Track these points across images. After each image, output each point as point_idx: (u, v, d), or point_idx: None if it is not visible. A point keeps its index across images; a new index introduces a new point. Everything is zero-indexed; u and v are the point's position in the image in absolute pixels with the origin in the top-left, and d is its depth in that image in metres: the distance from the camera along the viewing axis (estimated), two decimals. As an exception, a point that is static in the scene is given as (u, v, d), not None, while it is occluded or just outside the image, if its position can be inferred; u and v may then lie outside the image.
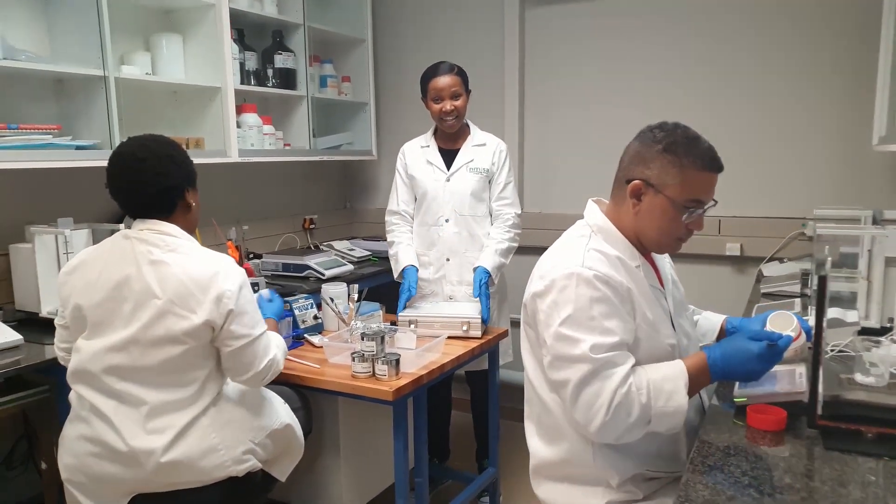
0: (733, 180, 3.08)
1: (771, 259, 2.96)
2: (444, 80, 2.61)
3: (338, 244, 3.47)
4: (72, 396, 1.66)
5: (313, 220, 3.69)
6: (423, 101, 2.73)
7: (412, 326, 2.37)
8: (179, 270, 1.59)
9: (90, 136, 2.33)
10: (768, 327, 1.40)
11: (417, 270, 2.67)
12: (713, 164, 1.34)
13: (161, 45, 2.67)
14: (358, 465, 2.29)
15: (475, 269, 2.57)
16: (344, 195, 4.06)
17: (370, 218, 3.99)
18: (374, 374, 1.96)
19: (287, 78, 3.13)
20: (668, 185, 1.34)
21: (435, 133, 2.80)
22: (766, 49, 2.93)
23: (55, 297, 2.11)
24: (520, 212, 2.74)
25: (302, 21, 3.16)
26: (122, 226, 2.19)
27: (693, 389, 1.32)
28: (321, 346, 2.25)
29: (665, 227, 1.38)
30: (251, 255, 3.09)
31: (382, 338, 1.97)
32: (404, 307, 2.49)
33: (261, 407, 1.79)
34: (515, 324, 3.22)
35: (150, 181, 1.62)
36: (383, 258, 3.45)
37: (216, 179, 2.99)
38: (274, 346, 1.75)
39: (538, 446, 1.47)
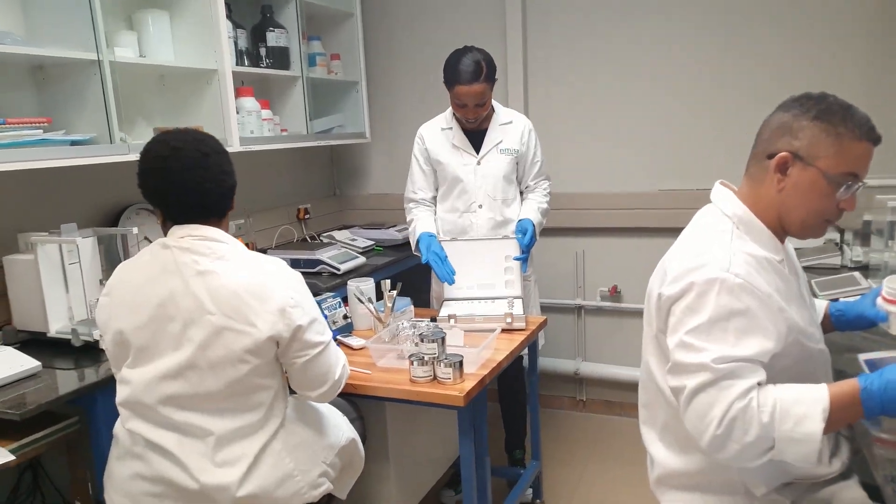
0: (741, 147, 3.05)
1: (789, 229, 2.94)
2: (468, 89, 2.37)
3: (338, 234, 3.27)
4: (119, 431, 1.46)
5: (307, 210, 3.47)
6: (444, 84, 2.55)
7: (451, 322, 2.24)
8: (232, 280, 1.40)
9: (82, 129, 2.06)
10: (885, 290, 1.30)
11: (434, 236, 2.52)
12: (871, 134, 1.21)
13: (147, 23, 2.40)
14: (407, 468, 2.16)
15: (520, 220, 2.50)
16: (332, 181, 3.84)
17: (362, 204, 3.79)
18: (435, 377, 1.81)
19: (280, 57, 2.89)
20: (821, 157, 1.20)
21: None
22: (788, 18, 2.87)
23: (65, 314, 1.89)
24: (549, 180, 2.69)
25: (293, -6, 2.91)
26: (135, 230, 1.97)
27: (836, 423, 1.13)
28: (361, 349, 2.09)
29: (814, 206, 1.23)
30: (253, 251, 2.87)
31: (443, 339, 1.83)
32: (450, 277, 2.38)
33: (326, 423, 1.63)
34: (545, 308, 3.17)
35: (215, 180, 1.44)
36: (388, 247, 3.29)
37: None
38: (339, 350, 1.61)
39: (665, 455, 1.35)
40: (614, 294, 3.27)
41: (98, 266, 1.97)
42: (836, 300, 1.68)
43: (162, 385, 1.39)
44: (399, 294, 2.40)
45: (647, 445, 1.40)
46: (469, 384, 1.78)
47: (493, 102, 2.62)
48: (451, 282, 2.39)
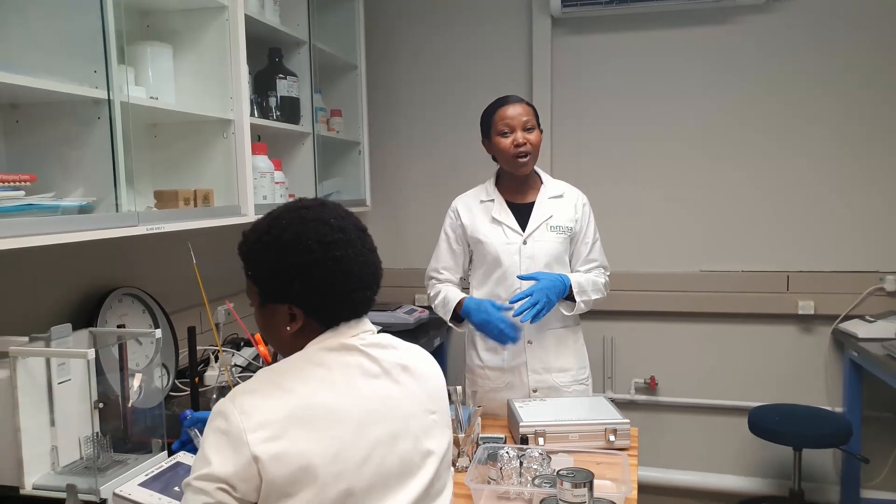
0: (801, 232, 2.82)
1: (846, 318, 2.73)
2: (514, 109, 2.10)
3: (338, 317, 2.76)
4: None
5: (298, 287, 2.94)
6: (483, 144, 2.19)
7: (541, 441, 1.80)
8: (429, 370, 1.18)
9: (74, 190, 1.51)
10: None
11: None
12: None
13: (145, 58, 1.88)
14: None
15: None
16: (318, 252, 3.33)
17: (354, 279, 3.29)
18: (579, 533, 1.36)
19: (291, 109, 2.43)
20: None
21: (497, 182, 2.25)
22: (831, 94, 2.75)
23: (46, 459, 1.29)
24: (609, 275, 2.26)
25: (307, 38, 2.48)
26: (157, 333, 1.42)
27: None
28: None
29: None
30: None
31: (592, 482, 1.39)
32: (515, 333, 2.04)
33: None
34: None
35: (380, 264, 1.15)
36: (397, 332, 2.82)
37: (210, 245, 2.14)
38: None
39: None
40: (653, 387, 2.93)
41: (94, 383, 1.39)
42: None
43: None
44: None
45: None
46: (629, 543, 1.34)
47: (542, 173, 2.28)
48: (517, 339, 2.06)
